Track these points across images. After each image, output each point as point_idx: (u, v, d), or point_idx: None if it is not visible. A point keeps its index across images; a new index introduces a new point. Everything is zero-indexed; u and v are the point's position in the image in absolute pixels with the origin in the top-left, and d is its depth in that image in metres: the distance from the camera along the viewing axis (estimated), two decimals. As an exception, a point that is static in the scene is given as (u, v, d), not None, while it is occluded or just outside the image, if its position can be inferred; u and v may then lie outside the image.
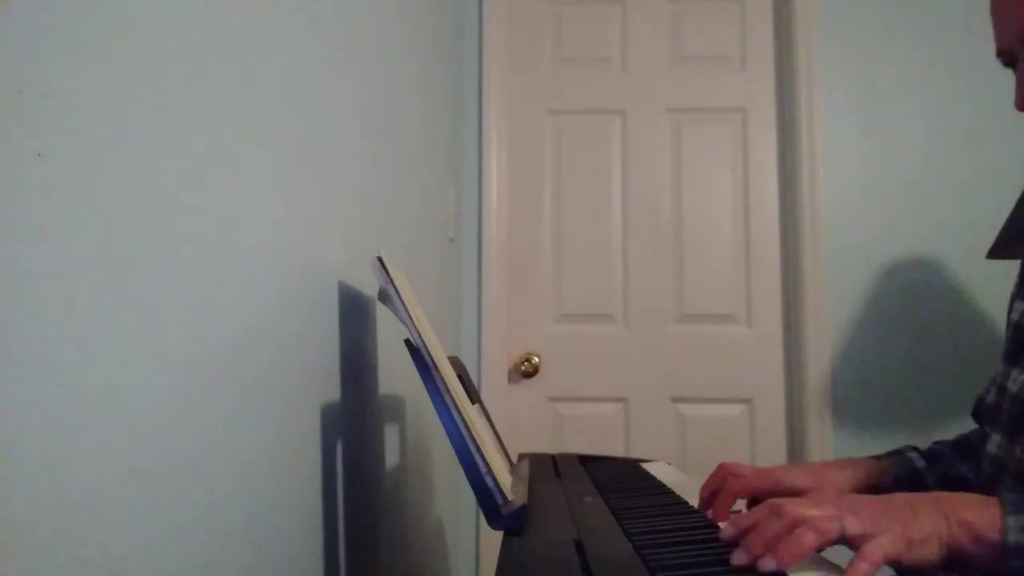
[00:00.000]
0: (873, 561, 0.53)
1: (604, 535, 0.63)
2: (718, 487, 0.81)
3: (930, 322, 2.04)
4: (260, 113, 0.67)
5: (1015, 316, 0.79)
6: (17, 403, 0.36)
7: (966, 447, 0.91)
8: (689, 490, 0.89)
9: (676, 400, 2.12)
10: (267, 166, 0.68)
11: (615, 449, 2.09)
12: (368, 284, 1.01)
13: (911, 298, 2.05)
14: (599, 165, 2.19)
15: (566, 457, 1.11)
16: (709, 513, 0.80)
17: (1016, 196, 1.63)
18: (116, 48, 0.44)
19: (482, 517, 1.15)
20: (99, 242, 0.42)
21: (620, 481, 0.94)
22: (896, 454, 0.91)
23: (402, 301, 0.73)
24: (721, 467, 0.83)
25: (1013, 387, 0.75)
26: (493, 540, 2.03)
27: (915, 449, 0.91)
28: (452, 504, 1.94)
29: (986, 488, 0.77)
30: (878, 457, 0.90)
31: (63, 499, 0.39)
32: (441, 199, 1.77)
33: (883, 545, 0.54)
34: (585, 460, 1.10)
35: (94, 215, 0.42)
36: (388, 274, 0.74)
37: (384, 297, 0.77)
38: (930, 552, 0.56)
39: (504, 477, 0.71)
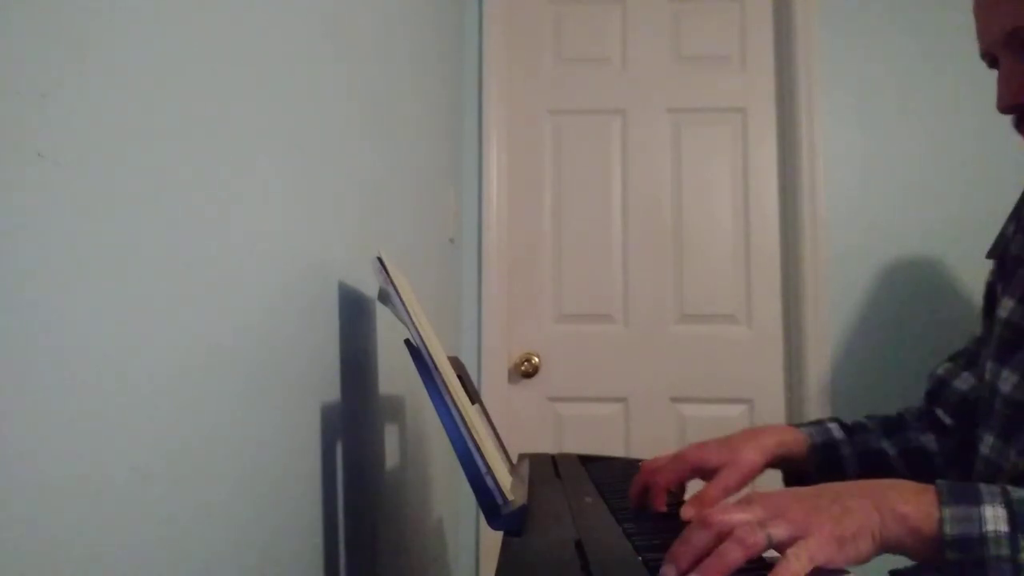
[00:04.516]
0: (794, 570, 0.50)
1: (604, 535, 0.63)
2: (644, 486, 0.81)
3: (930, 322, 2.04)
4: (260, 113, 0.67)
5: (1003, 313, 0.78)
6: (17, 403, 0.36)
7: (896, 424, 0.92)
8: (689, 490, 0.89)
9: (676, 400, 2.12)
10: (267, 166, 0.68)
11: (615, 449, 2.09)
12: (368, 284, 1.01)
13: (911, 298, 2.05)
14: (599, 165, 2.19)
15: (566, 457, 1.11)
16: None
17: (1016, 196, 1.63)
18: (116, 48, 0.44)
19: (482, 517, 1.15)
20: (99, 242, 0.42)
21: (620, 481, 0.93)
22: (816, 423, 0.91)
23: (402, 301, 0.73)
24: (641, 467, 0.83)
25: (1004, 387, 0.74)
26: (493, 540, 2.03)
27: (837, 420, 0.91)
28: (452, 504, 1.94)
29: None
30: (798, 425, 0.91)
31: (63, 499, 0.39)
32: (441, 199, 1.77)
33: (810, 548, 0.51)
34: (585, 460, 1.10)
35: (94, 215, 0.42)
36: (388, 274, 0.74)
37: (384, 297, 0.77)
38: (864, 549, 0.53)
39: (504, 477, 0.71)
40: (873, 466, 0.88)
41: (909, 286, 2.06)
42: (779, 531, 0.52)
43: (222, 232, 0.59)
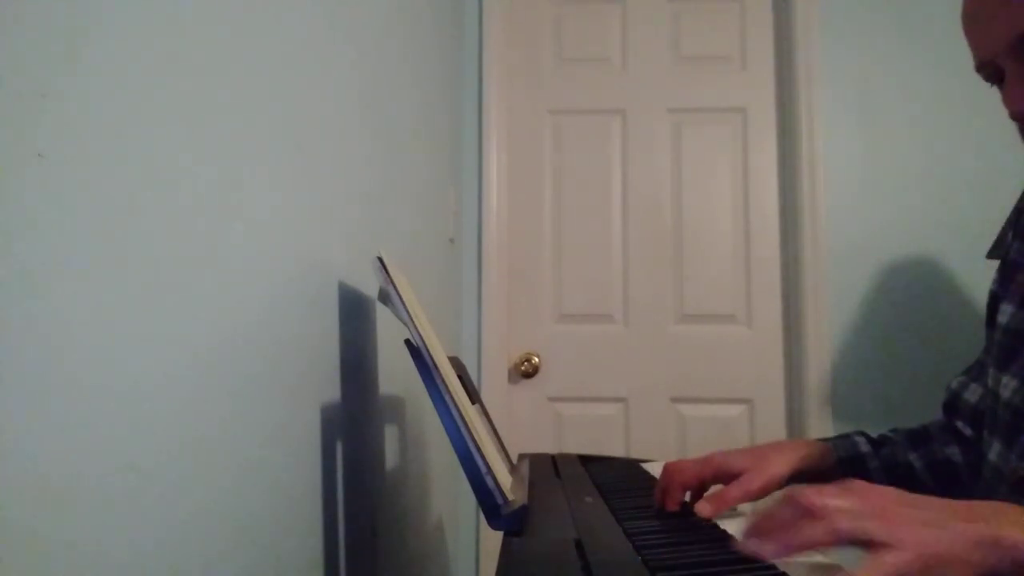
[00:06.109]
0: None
1: (604, 535, 0.63)
2: (667, 486, 0.80)
3: (930, 322, 2.03)
4: (260, 113, 0.67)
5: (1003, 319, 0.78)
6: (17, 403, 0.36)
7: (921, 436, 0.91)
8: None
9: (676, 400, 2.12)
10: (267, 166, 0.68)
11: (615, 449, 2.09)
12: (368, 284, 1.01)
13: (911, 298, 2.05)
14: (599, 165, 2.18)
15: (566, 457, 1.11)
16: (664, 509, 0.78)
17: (1016, 196, 1.63)
18: (116, 48, 0.44)
19: (482, 517, 1.15)
20: (99, 242, 0.42)
21: (620, 481, 0.93)
22: (843, 437, 0.91)
23: (402, 301, 0.73)
24: (666, 467, 0.83)
25: (1005, 393, 0.74)
26: (493, 540, 2.03)
27: (863, 434, 0.91)
28: (452, 504, 1.94)
29: (985, 497, 0.77)
30: (824, 439, 0.90)
31: (63, 499, 0.39)
32: (441, 199, 1.77)
33: (896, 563, 0.47)
34: (585, 460, 1.10)
35: (94, 215, 0.42)
36: (388, 274, 0.74)
37: (384, 297, 0.77)
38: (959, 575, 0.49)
39: (504, 477, 0.71)
40: (900, 480, 0.87)
41: (909, 286, 2.06)
42: (875, 529, 0.48)
43: (222, 232, 0.59)
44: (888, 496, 0.52)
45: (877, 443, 0.90)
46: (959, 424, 0.90)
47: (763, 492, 0.79)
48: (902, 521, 0.49)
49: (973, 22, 0.73)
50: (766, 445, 0.87)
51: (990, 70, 0.72)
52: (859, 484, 0.53)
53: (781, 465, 0.82)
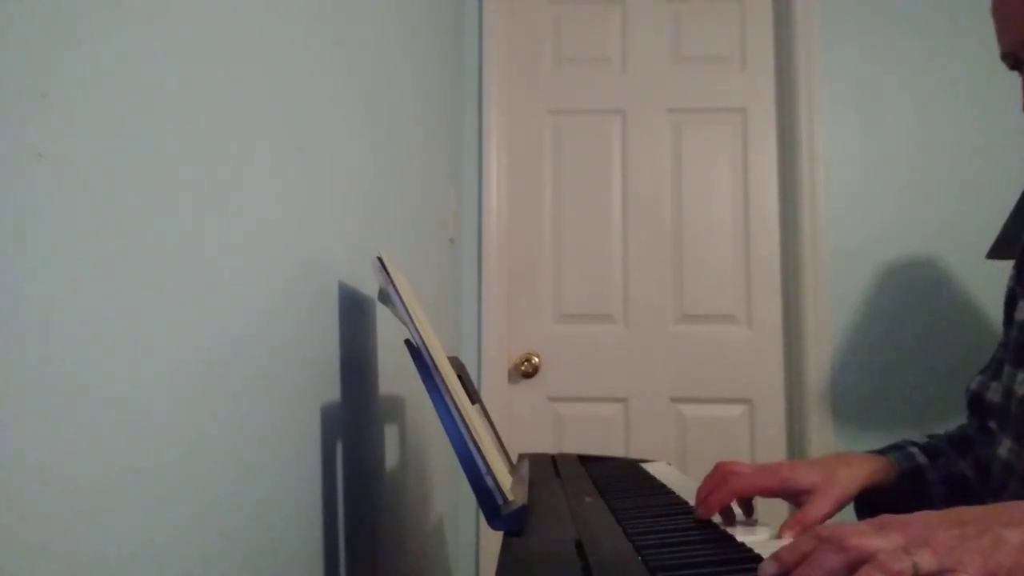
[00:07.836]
0: None
1: (604, 535, 0.63)
2: (717, 486, 0.76)
3: (930, 322, 2.04)
4: (259, 113, 0.67)
5: (1020, 316, 0.78)
6: (17, 403, 0.36)
7: (963, 444, 0.89)
8: (689, 490, 0.88)
9: (676, 400, 2.12)
10: (267, 166, 0.68)
11: (615, 449, 2.09)
12: (368, 284, 1.01)
13: (911, 298, 2.05)
14: (599, 165, 2.19)
15: (566, 457, 1.11)
16: (700, 510, 0.74)
17: (1016, 196, 1.63)
18: (115, 47, 0.44)
19: (482, 517, 1.15)
20: (98, 242, 0.42)
21: (620, 481, 0.93)
22: (897, 448, 0.88)
23: (402, 301, 0.73)
24: (719, 466, 0.79)
25: (1020, 390, 0.74)
26: (493, 540, 2.03)
27: (915, 444, 0.89)
28: (452, 504, 1.94)
29: (994, 492, 0.77)
30: (880, 452, 0.88)
31: (62, 499, 0.39)
32: (441, 199, 1.77)
33: None
34: (585, 460, 1.10)
35: (94, 215, 0.42)
36: (388, 274, 0.74)
37: (384, 297, 0.77)
38: None
39: (504, 477, 0.71)
40: (958, 490, 0.85)
41: (909, 286, 2.06)
42: (926, 560, 0.45)
43: (222, 232, 0.59)
44: (925, 523, 0.49)
45: (931, 453, 0.87)
46: (992, 425, 0.88)
47: (835, 513, 0.76)
48: (951, 544, 0.46)
49: (998, 13, 0.74)
50: (831, 458, 0.83)
51: (1012, 61, 0.74)
52: (890, 517, 0.50)
53: (851, 483, 0.79)
